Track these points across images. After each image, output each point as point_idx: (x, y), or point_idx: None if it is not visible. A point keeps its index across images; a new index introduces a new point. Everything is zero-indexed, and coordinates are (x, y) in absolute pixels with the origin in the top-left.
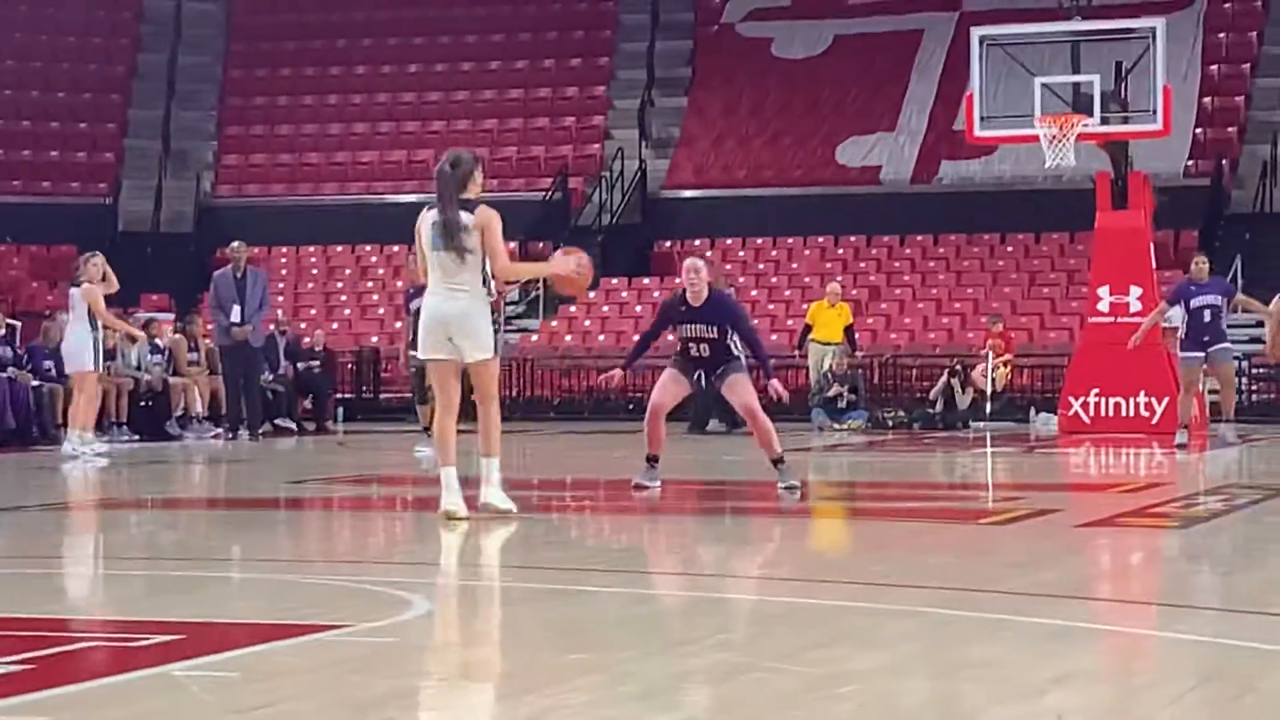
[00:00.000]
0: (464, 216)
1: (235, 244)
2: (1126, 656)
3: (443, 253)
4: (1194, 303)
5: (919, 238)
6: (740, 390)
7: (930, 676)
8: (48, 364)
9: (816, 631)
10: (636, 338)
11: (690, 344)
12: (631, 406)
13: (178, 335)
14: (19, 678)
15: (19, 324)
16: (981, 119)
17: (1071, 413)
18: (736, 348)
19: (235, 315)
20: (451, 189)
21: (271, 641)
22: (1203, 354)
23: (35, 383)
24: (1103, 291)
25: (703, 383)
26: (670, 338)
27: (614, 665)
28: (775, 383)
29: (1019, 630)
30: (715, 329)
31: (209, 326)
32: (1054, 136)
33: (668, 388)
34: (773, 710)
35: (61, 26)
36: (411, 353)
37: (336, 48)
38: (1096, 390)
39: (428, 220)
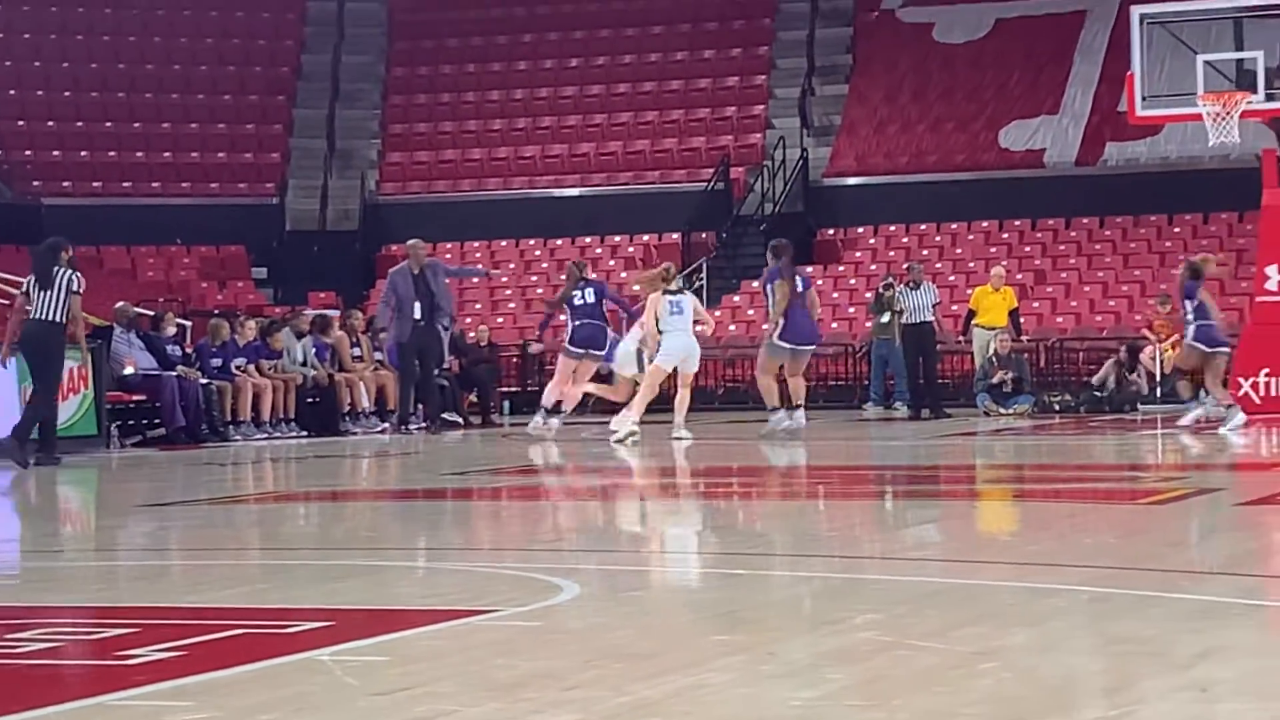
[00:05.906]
0: None
1: (412, 241)
2: (1278, 631)
3: None
4: None
5: (1084, 220)
6: None
7: (1075, 652)
8: (216, 362)
9: (964, 610)
10: None
11: None
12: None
13: (340, 332)
14: (170, 664)
15: (189, 324)
16: (1144, 99)
17: (1241, 393)
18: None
19: (417, 312)
20: None
21: (419, 627)
22: None
23: (204, 380)
24: (1271, 270)
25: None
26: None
27: (757, 645)
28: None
29: (1170, 607)
30: None
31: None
32: (1217, 115)
33: None
34: (912, 686)
35: (227, 30)
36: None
37: (497, 44)
38: (1266, 370)
39: None
